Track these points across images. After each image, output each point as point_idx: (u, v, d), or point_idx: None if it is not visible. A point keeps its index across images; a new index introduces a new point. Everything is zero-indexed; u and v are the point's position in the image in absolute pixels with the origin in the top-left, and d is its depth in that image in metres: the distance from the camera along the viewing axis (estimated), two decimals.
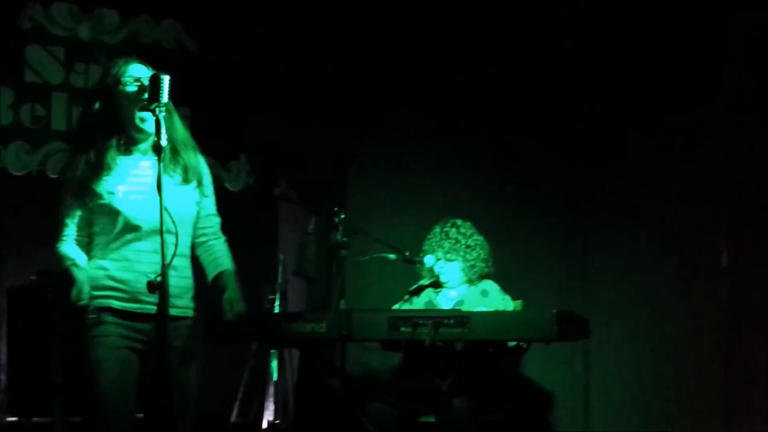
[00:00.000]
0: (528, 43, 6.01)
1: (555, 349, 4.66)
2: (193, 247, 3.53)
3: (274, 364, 6.04)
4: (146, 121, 3.29)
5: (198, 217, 3.50)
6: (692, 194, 5.36)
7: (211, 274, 3.54)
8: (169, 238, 3.18)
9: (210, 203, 3.56)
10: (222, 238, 3.60)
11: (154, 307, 3.19)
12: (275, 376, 6.04)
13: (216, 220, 3.58)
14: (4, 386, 6.24)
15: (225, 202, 3.65)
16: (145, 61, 3.45)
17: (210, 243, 3.55)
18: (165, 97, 3.21)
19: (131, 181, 3.32)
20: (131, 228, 3.29)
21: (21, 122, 6.53)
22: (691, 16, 5.32)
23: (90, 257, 3.34)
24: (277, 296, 6.00)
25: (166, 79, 3.22)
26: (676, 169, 5.47)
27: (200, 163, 3.50)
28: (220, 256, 3.56)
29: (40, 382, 5.95)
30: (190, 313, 3.42)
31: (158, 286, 3.13)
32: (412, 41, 6.07)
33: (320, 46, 6.32)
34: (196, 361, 3.43)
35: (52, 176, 6.38)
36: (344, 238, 4.26)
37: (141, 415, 3.39)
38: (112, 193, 3.30)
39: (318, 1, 6.32)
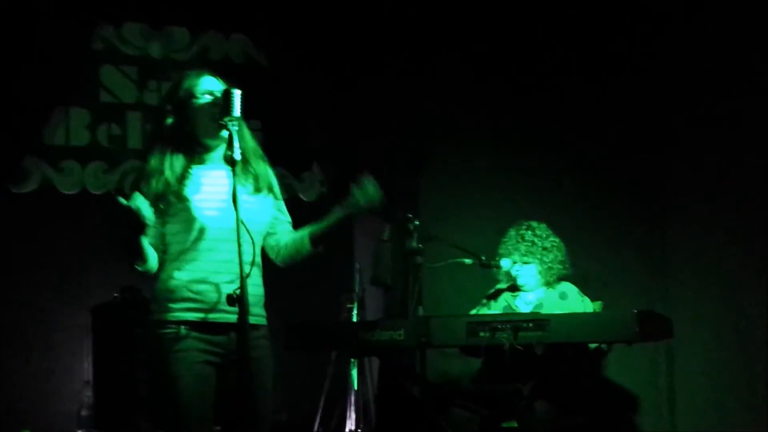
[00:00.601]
0: (584, 44, 5.96)
1: (638, 350, 4.59)
2: (272, 254, 3.55)
3: (354, 372, 6.05)
4: (219, 130, 3.33)
5: (272, 224, 3.53)
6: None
7: (305, 239, 3.50)
8: (246, 249, 3.20)
9: (283, 207, 3.59)
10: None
11: (231, 316, 3.20)
12: (356, 385, 6.05)
13: (289, 227, 3.60)
14: (90, 402, 6.34)
15: (299, 212, 3.67)
16: (216, 74, 3.49)
17: (284, 241, 3.56)
18: (237, 111, 3.24)
19: (205, 191, 3.35)
20: (206, 237, 3.32)
21: (98, 142, 6.66)
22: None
23: (164, 269, 3.36)
24: (355, 305, 6.02)
25: (237, 94, 3.25)
26: (754, 165, 5.35)
27: (269, 171, 3.53)
28: (299, 230, 3.55)
29: (125, 398, 6.04)
30: (263, 321, 3.43)
31: (238, 299, 3.15)
32: (475, 45, 6.06)
33: (387, 53, 6.33)
34: (271, 369, 3.43)
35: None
36: (419, 245, 4.25)
37: (218, 428, 3.41)
38: (188, 200, 3.33)
39: (379, 7, 6.34)
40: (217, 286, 3.29)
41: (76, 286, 6.72)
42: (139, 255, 3.25)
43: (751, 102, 5.37)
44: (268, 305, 3.47)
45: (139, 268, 3.29)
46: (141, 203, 3.15)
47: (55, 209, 6.59)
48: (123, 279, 6.37)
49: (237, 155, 3.21)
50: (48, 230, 6.57)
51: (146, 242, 3.26)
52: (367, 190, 3.47)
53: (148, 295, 6.12)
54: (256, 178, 3.44)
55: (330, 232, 3.52)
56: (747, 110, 5.40)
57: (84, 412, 6.35)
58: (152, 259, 3.31)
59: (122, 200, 3.13)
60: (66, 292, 6.66)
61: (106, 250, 6.49)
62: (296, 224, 3.64)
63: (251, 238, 3.25)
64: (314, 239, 3.51)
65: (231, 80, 3.44)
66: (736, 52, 5.44)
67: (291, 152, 6.59)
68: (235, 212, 3.16)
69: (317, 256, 3.58)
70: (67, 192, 6.59)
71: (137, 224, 3.14)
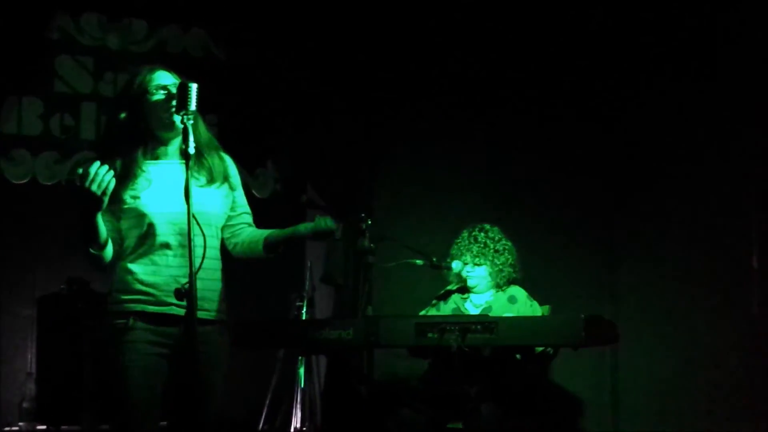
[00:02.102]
0: (543, 56, 6.02)
1: (583, 354, 4.64)
2: (229, 246, 3.54)
3: (302, 370, 6.04)
4: (174, 124, 3.31)
5: (229, 215, 3.51)
6: (721, 195, 5.32)
7: (260, 245, 3.52)
8: (197, 243, 3.19)
9: (240, 197, 3.57)
10: (254, 226, 3.62)
11: (181, 310, 3.20)
12: (302, 383, 6.05)
13: (249, 218, 3.59)
14: (33, 394, 6.27)
15: (252, 209, 3.66)
16: (172, 68, 3.47)
17: (244, 236, 3.56)
18: (193, 105, 3.23)
19: (156, 186, 3.34)
20: (158, 231, 3.31)
21: (51, 132, 6.58)
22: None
23: (119, 262, 3.35)
24: (305, 303, 6.01)
25: (194, 87, 3.24)
26: (704, 170, 5.44)
27: (225, 163, 3.51)
28: (258, 231, 3.56)
29: (69, 391, 5.98)
30: (219, 316, 3.42)
31: (186, 294, 3.14)
32: (435, 52, 6.09)
33: (346, 52, 6.33)
34: (222, 366, 3.43)
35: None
36: (371, 245, 4.26)
37: (164, 423, 3.40)
38: (138, 197, 3.31)
39: (336, 8, 6.34)
40: (169, 279, 3.29)
41: (22, 277, 6.65)
42: (95, 235, 3.22)
43: (695, 113, 5.47)
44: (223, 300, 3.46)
45: (94, 252, 3.25)
46: (102, 169, 3.14)
47: (4, 198, 6.50)
48: (70, 270, 6.32)
49: (191, 149, 3.20)
50: None
51: (102, 223, 3.23)
52: (327, 222, 3.51)
53: (95, 288, 6.13)
54: (209, 170, 3.43)
55: (285, 244, 3.54)
56: (694, 121, 5.49)
57: (26, 404, 6.28)
58: (107, 245, 3.29)
59: (93, 168, 3.11)
60: (12, 282, 6.59)
61: (54, 241, 6.43)
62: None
63: (202, 232, 3.24)
64: (268, 245, 3.52)
65: (188, 74, 3.42)
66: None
67: (246, 148, 6.57)
68: (187, 206, 3.15)
69: (268, 260, 3.58)
70: (16, 181, 6.51)
71: (96, 198, 3.12)
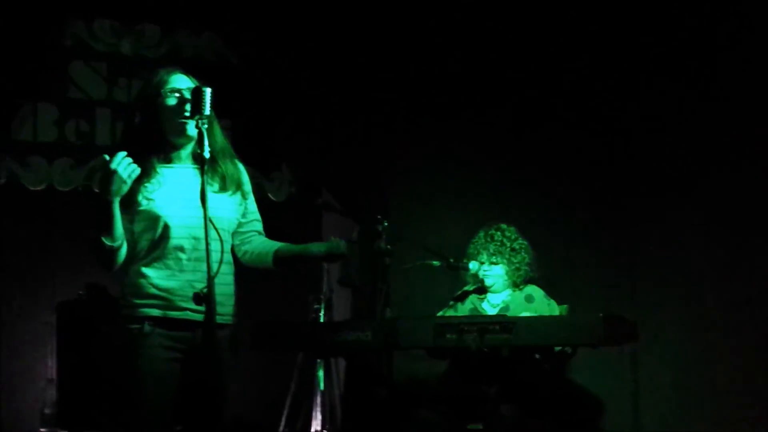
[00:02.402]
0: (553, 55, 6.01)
1: (603, 353, 4.61)
2: (239, 253, 3.54)
3: (321, 373, 6.04)
4: (188, 128, 3.32)
5: (240, 222, 3.51)
6: (741, 192, 5.29)
7: (269, 261, 3.52)
8: (214, 248, 3.19)
9: (252, 204, 3.57)
10: (264, 236, 3.61)
11: (197, 315, 3.20)
12: (322, 386, 6.04)
13: (259, 226, 3.59)
14: (54, 401, 6.30)
15: (268, 212, 3.66)
16: (188, 72, 3.47)
17: (254, 244, 3.55)
18: (207, 110, 3.23)
19: (170, 189, 3.34)
20: (172, 235, 3.31)
21: (66, 138, 6.60)
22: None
23: (132, 265, 3.34)
24: (323, 305, 6.01)
25: (208, 92, 3.24)
26: (723, 166, 5.40)
27: (239, 170, 3.52)
28: (269, 244, 3.55)
29: (89, 396, 6.00)
30: (231, 320, 3.42)
31: (205, 298, 3.14)
32: (448, 56, 6.09)
33: (360, 55, 6.33)
34: (232, 369, 3.42)
35: (98, 191, 6.44)
36: (388, 246, 4.25)
37: (179, 428, 3.40)
38: (152, 199, 3.31)
39: (351, 10, 6.34)
40: (184, 284, 3.29)
41: (40, 284, 6.67)
42: (111, 224, 3.21)
43: (716, 108, 5.43)
44: (235, 304, 3.46)
45: (108, 245, 3.23)
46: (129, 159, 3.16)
47: (21, 205, 6.53)
48: (88, 277, 6.33)
49: (206, 153, 3.20)
50: (13, 227, 6.51)
51: (119, 214, 3.23)
52: (341, 245, 3.52)
53: (113, 293, 6.13)
54: (223, 177, 3.43)
55: (296, 261, 3.54)
56: (713, 114, 5.46)
57: (47, 410, 6.30)
58: (122, 243, 3.28)
59: (119, 155, 3.13)
60: (30, 289, 6.61)
61: (72, 247, 6.45)
62: (266, 225, 3.63)
63: (219, 237, 3.25)
64: (278, 259, 3.51)
65: (202, 78, 3.42)
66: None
67: (261, 152, 6.58)
68: (203, 211, 3.15)
69: (277, 273, 3.58)
70: (33, 188, 6.53)
71: (120, 180, 3.14)
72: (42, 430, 6.26)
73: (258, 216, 3.59)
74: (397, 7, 6.22)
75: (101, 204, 3.21)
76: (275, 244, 3.54)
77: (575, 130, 6.01)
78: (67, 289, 6.46)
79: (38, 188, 6.54)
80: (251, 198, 3.57)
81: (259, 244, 3.55)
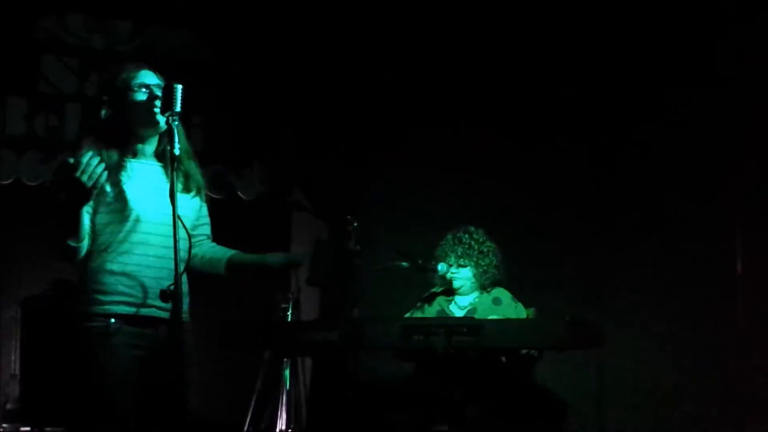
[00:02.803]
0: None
1: (569, 356, 4.64)
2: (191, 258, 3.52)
3: (287, 372, 6.03)
4: (158, 124, 3.31)
5: (194, 225, 3.50)
6: (707, 199, 5.35)
7: (221, 268, 3.51)
8: (182, 246, 3.18)
9: (205, 208, 3.57)
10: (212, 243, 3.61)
11: (163, 312, 3.21)
12: (288, 385, 6.04)
13: (208, 230, 3.59)
14: (17, 396, 6.25)
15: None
16: (158, 69, 3.46)
17: (205, 249, 3.55)
18: (178, 106, 3.23)
19: (139, 183, 3.33)
20: (140, 229, 3.29)
21: (35, 132, 6.54)
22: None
23: (93, 260, 3.30)
24: (290, 305, 6.01)
25: (179, 89, 3.23)
26: (690, 173, 5.46)
27: (199, 172, 3.52)
28: (219, 249, 3.55)
29: (53, 392, 5.96)
30: (187, 318, 3.41)
31: (171, 295, 3.13)
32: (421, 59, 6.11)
33: (336, 54, 6.33)
34: (193, 366, 3.41)
35: (62, 195, 6.39)
36: (357, 246, 4.26)
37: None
38: (123, 192, 3.30)
39: (331, 10, 6.34)
40: (150, 280, 3.27)
41: (6, 278, 6.62)
42: (77, 228, 3.20)
43: (682, 111, 5.49)
44: (203, 303, 3.46)
45: (72, 245, 3.22)
46: (94, 160, 3.11)
47: None
48: (55, 272, 6.29)
49: (177, 150, 3.19)
50: None
51: (84, 215, 3.21)
52: (297, 258, 3.60)
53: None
54: (186, 177, 3.43)
55: (251, 272, 3.53)
56: (678, 117, 5.52)
57: (10, 406, 6.25)
58: (86, 238, 3.26)
59: (85, 158, 3.08)
60: None
61: (39, 242, 6.39)
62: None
63: (188, 234, 3.24)
64: (232, 267, 3.50)
65: (173, 74, 3.41)
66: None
67: (232, 149, 6.56)
68: (172, 207, 3.14)
69: (253, 253, 3.57)
70: (1, 182, 6.48)
71: (85, 190, 3.10)
72: (4, 425, 6.21)
73: (208, 220, 3.58)
74: (374, 8, 6.23)
75: (66, 208, 3.18)
76: (228, 252, 3.53)
77: (549, 138, 6.04)
78: (33, 284, 6.41)
79: (6, 182, 6.49)
80: (205, 203, 3.56)
81: (210, 249, 3.54)
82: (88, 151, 3.19)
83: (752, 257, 5.18)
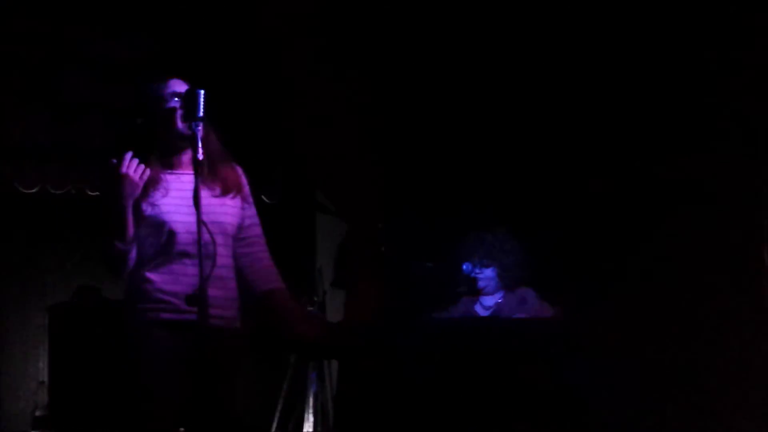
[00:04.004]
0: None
1: None
2: (238, 256, 3.54)
3: (314, 375, 6.05)
4: (185, 132, 3.33)
5: (241, 227, 3.52)
6: (732, 187, 5.29)
7: (259, 288, 3.55)
8: (209, 251, 3.20)
9: (252, 213, 3.58)
10: (267, 252, 3.60)
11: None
12: (315, 387, 6.05)
13: (258, 230, 3.60)
14: (45, 403, 6.30)
15: (261, 214, 3.67)
16: (182, 76, 3.48)
17: (257, 256, 3.56)
18: (201, 112, 3.24)
19: (174, 195, 3.36)
20: (176, 240, 3.32)
21: (58, 142, 6.59)
22: None
23: (136, 270, 3.35)
24: (316, 307, 6.02)
25: (201, 94, 3.26)
26: (713, 159, 5.40)
27: (238, 174, 3.54)
28: (270, 272, 3.57)
29: (81, 399, 6.00)
30: (233, 324, 3.43)
31: (197, 300, 3.15)
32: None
33: (352, 53, 6.32)
34: (237, 374, 3.44)
35: (91, 193, 6.44)
36: (382, 248, 4.26)
37: (182, 429, 3.41)
38: (156, 205, 3.33)
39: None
40: (188, 288, 3.28)
41: (33, 286, 6.67)
42: (125, 226, 3.25)
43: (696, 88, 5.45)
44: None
45: (120, 248, 3.27)
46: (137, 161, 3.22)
47: (15, 208, 6.53)
48: (81, 279, 6.33)
49: (200, 156, 3.21)
50: (5, 229, 6.51)
51: (131, 216, 3.27)
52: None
53: (106, 295, 6.14)
54: (224, 181, 3.45)
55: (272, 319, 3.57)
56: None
57: (38, 413, 6.30)
58: (133, 244, 3.30)
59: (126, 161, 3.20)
60: (22, 292, 6.61)
61: (65, 250, 6.45)
62: None
63: (213, 239, 3.25)
64: (262, 301, 3.54)
65: (197, 81, 3.43)
66: None
67: (255, 153, 6.55)
68: (196, 214, 3.16)
69: (277, 257, 3.59)
70: (26, 191, 6.53)
71: (133, 183, 3.21)
72: None
73: (258, 221, 3.60)
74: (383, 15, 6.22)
75: (114, 209, 3.25)
76: (273, 284, 3.56)
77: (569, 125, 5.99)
78: (59, 291, 6.46)
79: (31, 191, 6.54)
80: (251, 202, 3.58)
81: (264, 269, 3.57)
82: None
83: None
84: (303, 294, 6.15)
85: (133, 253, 3.32)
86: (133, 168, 3.23)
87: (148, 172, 3.26)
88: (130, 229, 3.27)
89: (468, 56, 6.08)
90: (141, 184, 3.25)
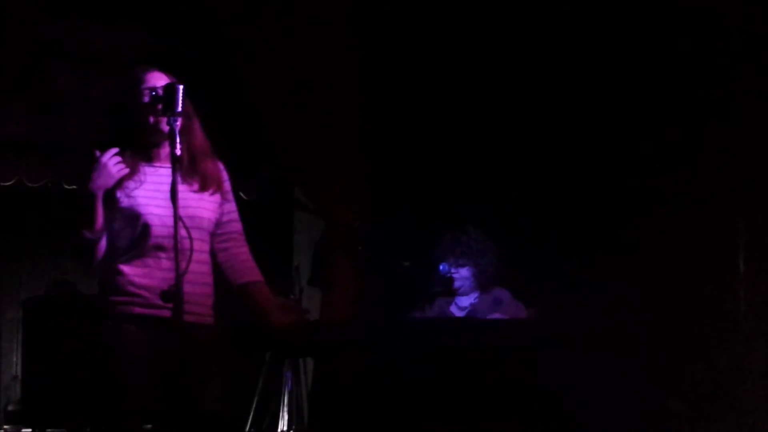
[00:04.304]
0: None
1: None
2: (217, 252, 3.53)
3: (289, 373, 6.05)
4: (162, 126, 3.32)
5: (218, 223, 3.50)
6: (706, 193, 5.32)
7: (237, 282, 3.54)
8: (185, 245, 3.19)
9: (231, 208, 3.57)
10: (246, 247, 3.60)
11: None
12: (289, 385, 6.05)
13: (238, 226, 3.58)
14: (18, 397, 6.26)
15: (239, 210, 3.66)
16: (166, 69, 3.47)
17: (235, 251, 3.56)
18: (179, 107, 3.23)
19: (150, 188, 3.34)
20: (151, 234, 3.31)
21: (37, 133, 6.55)
22: None
23: (110, 263, 3.34)
24: None
25: (180, 89, 3.24)
26: (689, 166, 5.43)
27: (218, 170, 3.52)
28: (248, 266, 3.57)
29: (55, 394, 5.98)
30: (207, 320, 3.42)
31: (172, 296, 3.14)
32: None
33: (341, 49, 6.31)
34: (211, 369, 3.43)
35: (68, 187, 6.40)
36: (360, 247, 4.27)
37: (149, 426, 3.40)
38: (133, 197, 3.31)
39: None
40: (161, 282, 3.27)
41: (7, 280, 6.63)
42: (94, 215, 3.24)
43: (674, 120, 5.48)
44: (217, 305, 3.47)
45: (88, 237, 3.25)
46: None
47: None
48: (56, 273, 6.30)
49: (178, 150, 3.20)
50: None
51: (101, 207, 3.26)
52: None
53: (81, 289, 6.11)
54: (203, 176, 3.43)
55: (251, 310, 3.56)
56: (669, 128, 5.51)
57: (11, 407, 6.27)
58: (101, 236, 3.29)
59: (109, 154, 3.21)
60: None
61: (40, 243, 6.42)
62: None
63: (189, 235, 3.24)
64: (241, 292, 3.54)
65: (180, 74, 3.42)
66: None
67: (234, 149, 6.53)
68: (173, 208, 3.15)
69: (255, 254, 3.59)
70: (1, 183, 6.49)
71: (111, 174, 3.22)
72: (6, 427, 6.22)
73: (237, 216, 3.58)
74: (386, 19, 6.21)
75: (84, 196, 3.25)
76: (251, 277, 3.54)
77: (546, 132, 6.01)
78: (34, 285, 6.43)
79: (7, 183, 6.50)
80: (232, 198, 3.57)
81: (242, 263, 3.55)
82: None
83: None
84: (279, 292, 6.15)
85: (102, 243, 3.30)
86: (113, 161, 3.24)
87: (126, 170, 3.26)
88: (99, 219, 3.26)
89: (450, 58, 6.10)
90: (117, 177, 3.25)
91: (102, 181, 3.23)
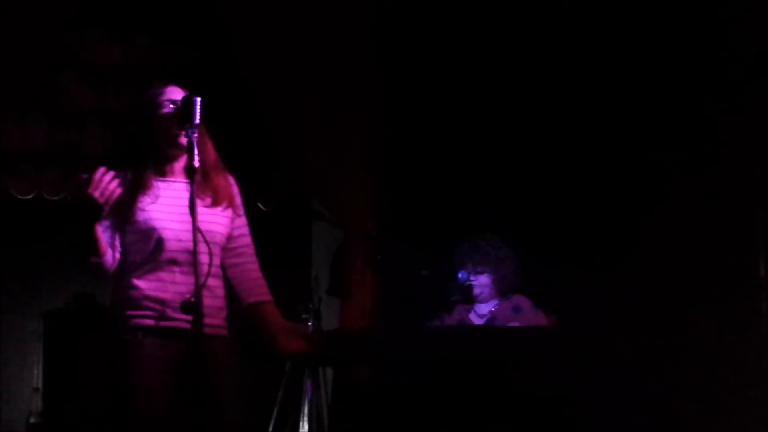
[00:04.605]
0: None
1: None
2: (227, 266, 3.54)
3: (309, 382, 6.05)
4: (180, 139, 3.33)
5: (230, 237, 3.51)
6: (725, 198, 5.30)
7: (246, 301, 3.55)
8: (203, 259, 3.20)
9: (242, 223, 3.58)
10: (256, 262, 3.60)
11: (189, 324, 3.21)
12: (309, 395, 6.05)
13: (248, 240, 3.59)
14: (40, 409, 6.29)
15: (257, 221, 3.67)
16: (181, 82, 3.48)
17: (246, 267, 3.56)
18: (197, 119, 3.25)
19: (164, 202, 3.35)
20: (165, 248, 3.32)
21: (55, 147, 6.59)
22: None
23: (123, 276, 3.35)
24: (311, 315, 6.02)
25: (197, 101, 3.26)
26: (707, 171, 5.41)
27: (230, 184, 3.53)
28: (258, 284, 3.57)
29: (76, 405, 5.99)
30: (222, 332, 3.43)
31: (192, 307, 3.15)
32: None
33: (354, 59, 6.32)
34: (233, 379, 3.44)
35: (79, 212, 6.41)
36: (378, 256, 4.27)
37: None
38: (147, 212, 3.33)
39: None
40: (175, 295, 3.29)
41: (28, 292, 6.66)
42: (94, 246, 3.22)
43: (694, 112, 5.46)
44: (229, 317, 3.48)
45: (95, 261, 3.25)
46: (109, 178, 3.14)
47: (10, 214, 6.52)
48: (76, 285, 6.33)
49: (195, 163, 3.21)
50: (0, 235, 6.50)
51: (101, 233, 3.24)
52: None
53: (101, 302, 6.13)
54: (215, 191, 3.44)
55: (259, 332, 3.56)
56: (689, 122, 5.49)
57: (33, 419, 6.29)
58: (106, 253, 3.28)
59: (98, 174, 3.10)
60: (17, 297, 6.60)
61: (60, 256, 6.43)
62: (254, 234, 3.63)
63: (209, 249, 3.26)
64: (249, 312, 3.53)
65: (195, 87, 3.43)
66: None
67: (251, 160, 6.56)
68: (192, 222, 3.16)
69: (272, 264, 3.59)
70: (21, 197, 6.52)
71: (96, 206, 3.12)
72: None
73: (248, 231, 3.59)
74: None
75: (82, 226, 3.20)
76: (260, 297, 3.55)
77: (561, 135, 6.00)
78: (55, 297, 6.45)
79: (27, 197, 6.53)
80: (242, 212, 3.58)
81: (252, 281, 3.55)
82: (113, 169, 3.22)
83: None
84: (298, 302, 6.16)
85: (108, 256, 3.28)
86: (100, 189, 3.12)
87: (119, 191, 3.16)
88: (101, 247, 3.24)
89: (468, 66, 6.10)
90: (110, 203, 3.14)
91: (94, 210, 3.14)
